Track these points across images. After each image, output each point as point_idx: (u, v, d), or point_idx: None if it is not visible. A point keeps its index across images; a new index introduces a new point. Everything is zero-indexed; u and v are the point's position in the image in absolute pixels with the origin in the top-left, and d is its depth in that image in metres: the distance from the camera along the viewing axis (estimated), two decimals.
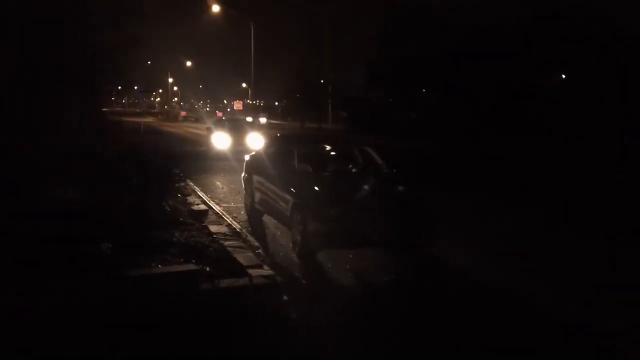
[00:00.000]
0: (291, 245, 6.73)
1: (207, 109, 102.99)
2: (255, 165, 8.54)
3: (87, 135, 7.02)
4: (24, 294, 3.85)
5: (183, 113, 75.37)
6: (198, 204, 8.45)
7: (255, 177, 8.29)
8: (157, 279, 4.52)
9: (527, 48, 31.33)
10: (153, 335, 3.79)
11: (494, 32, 32.70)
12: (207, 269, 5.00)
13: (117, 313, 3.87)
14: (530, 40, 31.57)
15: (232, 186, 11.71)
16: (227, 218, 8.18)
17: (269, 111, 76.22)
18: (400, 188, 7.01)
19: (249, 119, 34.49)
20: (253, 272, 5.05)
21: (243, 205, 9.07)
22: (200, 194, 10.23)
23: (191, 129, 44.35)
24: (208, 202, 9.42)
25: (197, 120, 67.04)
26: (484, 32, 32.95)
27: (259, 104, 77.47)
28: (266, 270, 5.22)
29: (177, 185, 8.05)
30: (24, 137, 5.61)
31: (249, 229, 7.74)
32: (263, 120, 54.54)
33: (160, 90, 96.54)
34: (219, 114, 63.26)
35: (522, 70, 31.59)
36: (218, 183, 12.42)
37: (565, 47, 31.12)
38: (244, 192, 9.01)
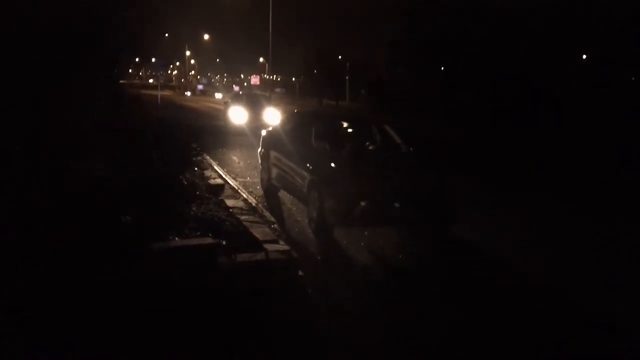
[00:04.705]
0: (307, 221, 6.75)
1: (224, 82, 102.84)
2: (272, 141, 8.53)
3: (107, 109, 7.06)
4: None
5: (200, 87, 75.33)
6: (215, 178, 8.50)
7: (272, 153, 8.29)
8: (176, 251, 4.57)
9: (553, 29, 30.60)
10: (172, 308, 3.85)
11: (520, 12, 31.91)
12: (224, 242, 5.05)
13: (139, 287, 3.93)
14: (555, 21, 30.82)
15: (248, 161, 11.75)
16: (244, 193, 8.22)
17: (286, 87, 75.90)
18: (419, 166, 6.97)
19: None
20: (269, 247, 5.08)
21: (259, 180, 9.10)
22: (217, 168, 10.29)
23: (209, 103, 44.46)
24: (225, 176, 9.47)
25: (214, 94, 67.10)
26: (509, 13, 32.17)
27: (276, 79, 77.12)
28: (282, 246, 5.25)
29: (194, 159, 8.09)
30: (50, 112, 5.68)
31: (265, 204, 7.78)
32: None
33: (178, 63, 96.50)
34: (236, 88, 63.06)
35: (547, 51, 30.87)
36: (235, 158, 12.47)
37: (590, 28, 30.34)
38: (261, 167, 9.03)
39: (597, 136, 21.53)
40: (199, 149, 8.61)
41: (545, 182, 11.59)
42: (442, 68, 37.31)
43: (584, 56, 33.69)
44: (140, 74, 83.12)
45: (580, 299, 5.06)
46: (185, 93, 70.23)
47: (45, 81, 5.67)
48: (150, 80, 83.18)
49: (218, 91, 68.09)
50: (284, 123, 8.85)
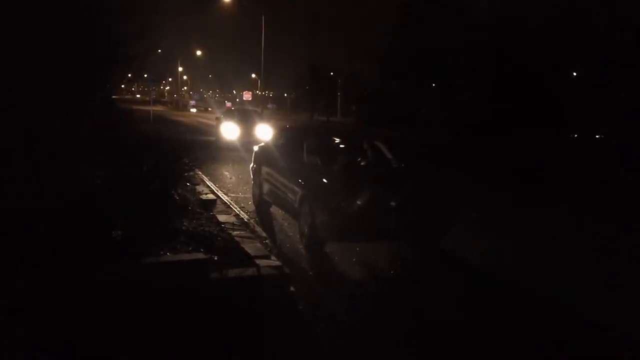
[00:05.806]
0: (298, 236, 6.75)
1: (216, 97, 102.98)
2: (264, 157, 8.56)
3: (99, 124, 7.07)
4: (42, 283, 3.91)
5: (192, 102, 75.05)
6: (207, 194, 8.48)
7: (264, 168, 8.31)
8: (167, 267, 4.55)
9: (546, 42, 30.92)
10: (162, 323, 3.83)
11: (514, 25, 32.23)
12: (215, 258, 5.04)
13: (127, 302, 3.91)
14: (548, 35, 31.16)
15: (240, 176, 11.75)
16: (235, 208, 8.22)
17: (278, 102, 76.09)
18: (410, 181, 7.00)
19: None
20: (261, 262, 5.08)
21: (251, 195, 9.11)
22: (209, 183, 10.28)
23: (200, 118, 44.49)
24: (216, 191, 9.47)
25: (206, 109, 67.01)
26: (503, 25, 32.51)
27: (268, 94, 77.36)
28: (274, 261, 5.25)
29: (186, 174, 8.07)
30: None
31: (257, 219, 7.78)
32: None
33: (170, 79, 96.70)
34: (228, 104, 63.01)
35: (540, 64, 31.12)
36: (226, 173, 12.46)
37: (583, 42, 30.66)
38: (252, 182, 9.04)
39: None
40: (190, 164, 8.59)
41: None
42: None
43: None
44: (133, 89, 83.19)
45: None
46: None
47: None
48: (138, 96, 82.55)
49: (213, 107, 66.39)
50: (276, 139, 8.88)
